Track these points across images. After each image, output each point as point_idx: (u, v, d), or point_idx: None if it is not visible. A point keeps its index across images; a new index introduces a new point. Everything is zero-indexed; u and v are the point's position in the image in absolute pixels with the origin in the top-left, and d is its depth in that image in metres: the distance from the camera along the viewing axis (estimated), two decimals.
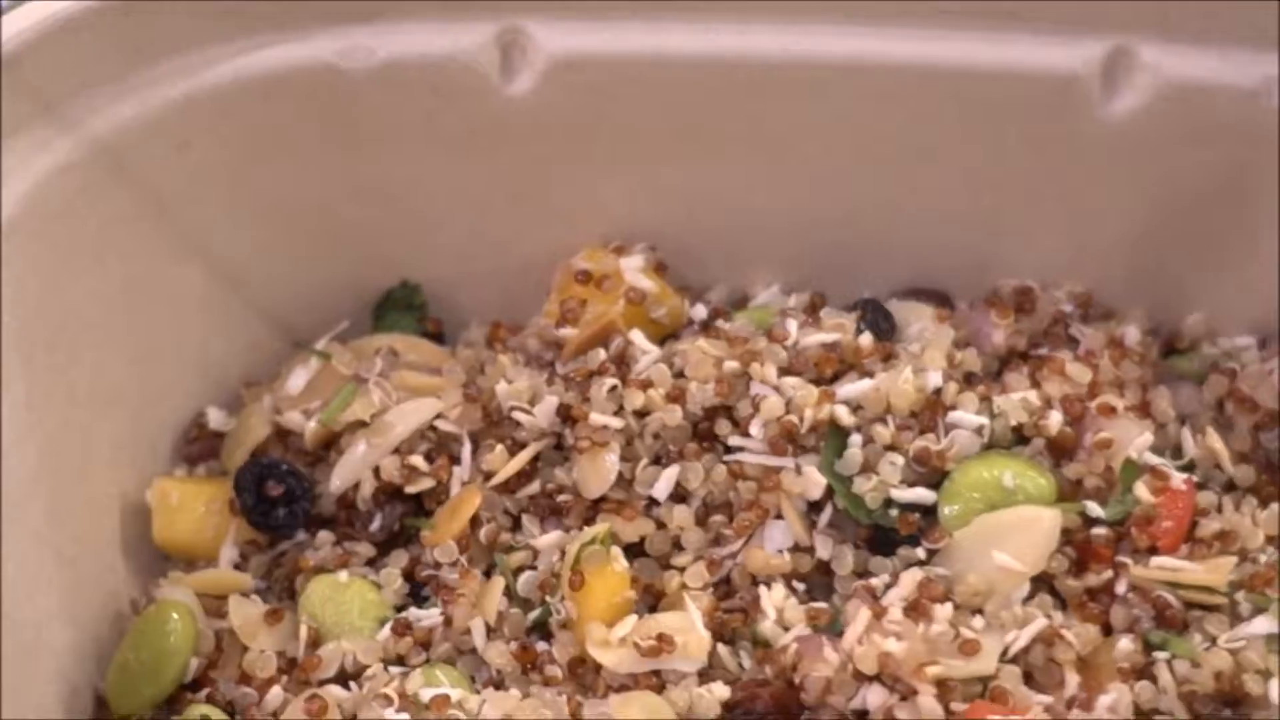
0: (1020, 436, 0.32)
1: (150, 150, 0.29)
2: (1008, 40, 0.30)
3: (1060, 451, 0.32)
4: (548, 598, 0.31)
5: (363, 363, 0.33)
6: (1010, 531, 0.30)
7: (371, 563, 0.33)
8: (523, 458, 0.32)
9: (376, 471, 0.32)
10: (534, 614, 0.31)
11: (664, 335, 0.34)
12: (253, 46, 0.29)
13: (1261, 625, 0.29)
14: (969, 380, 0.32)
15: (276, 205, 0.31)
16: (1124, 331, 0.34)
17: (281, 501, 0.33)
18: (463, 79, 0.30)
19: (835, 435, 0.31)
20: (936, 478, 0.31)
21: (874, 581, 0.30)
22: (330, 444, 0.33)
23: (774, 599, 0.30)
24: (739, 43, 0.30)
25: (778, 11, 0.30)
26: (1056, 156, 0.32)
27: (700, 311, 0.34)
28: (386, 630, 0.31)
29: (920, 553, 0.30)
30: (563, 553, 0.31)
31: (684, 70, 0.30)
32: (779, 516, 0.31)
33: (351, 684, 0.30)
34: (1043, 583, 0.30)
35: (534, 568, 0.32)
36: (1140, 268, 0.33)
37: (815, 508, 0.31)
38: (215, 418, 0.34)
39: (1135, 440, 0.31)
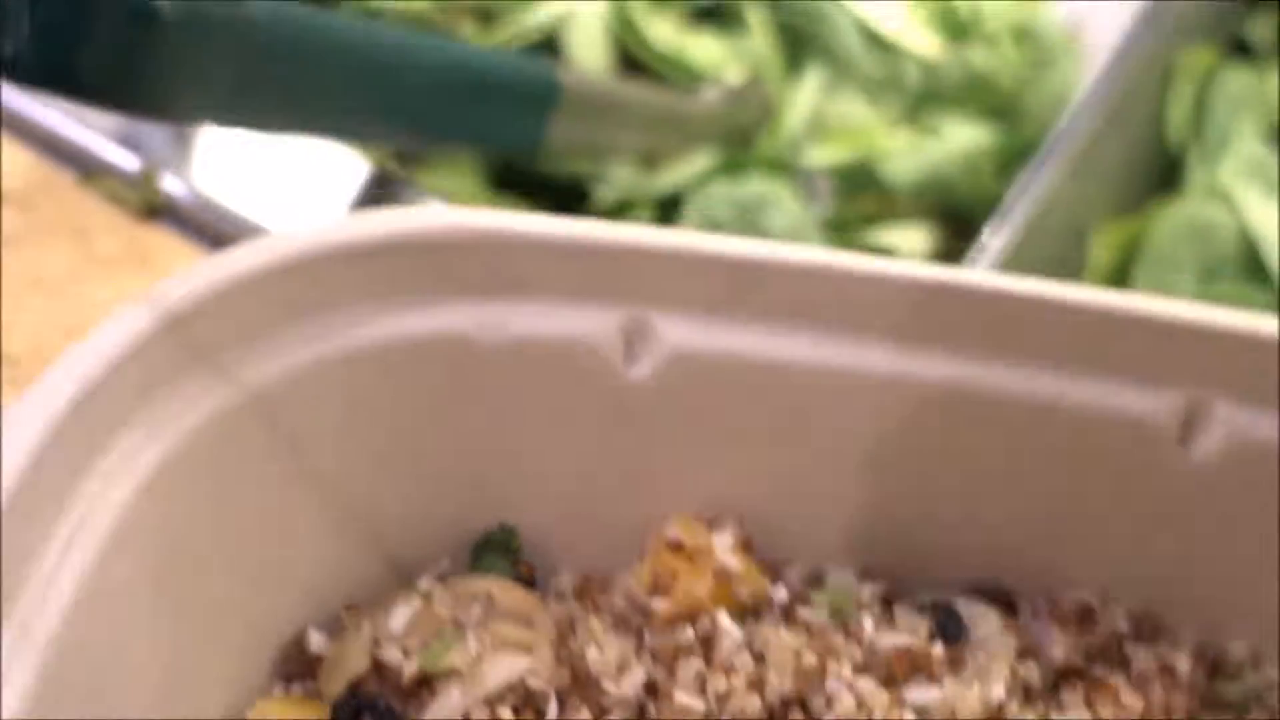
0: None
1: (293, 399, 0.31)
2: (1095, 382, 0.32)
3: None
4: None
5: (460, 605, 0.35)
6: None
7: None
8: None
9: (466, 718, 0.33)
10: None
11: (744, 611, 0.35)
12: (397, 311, 0.32)
13: None
14: (1027, 694, 0.34)
15: (397, 450, 0.33)
16: (1175, 660, 0.35)
17: None
18: (586, 360, 0.32)
19: None
20: None
21: None
22: (425, 682, 0.34)
23: None
24: (848, 356, 0.32)
25: (887, 333, 0.32)
26: (1130, 488, 0.34)
27: (781, 593, 0.36)
28: None
29: None
30: None
31: (791, 374, 0.32)
32: None
33: None
34: None
35: None
36: (1195, 592, 0.36)
37: None
38: (316, 640, 0.35)
39: None
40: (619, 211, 0.62)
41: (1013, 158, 0.69)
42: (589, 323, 0.33)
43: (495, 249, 0.32)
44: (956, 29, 0.71)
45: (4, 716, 0.26)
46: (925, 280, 0.32)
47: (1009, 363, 0.32)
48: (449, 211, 0.32)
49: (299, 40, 0.41)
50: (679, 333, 0.33)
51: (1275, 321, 0.32)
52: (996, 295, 0.32)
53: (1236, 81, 0.69)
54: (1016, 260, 0.59)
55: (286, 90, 0.41)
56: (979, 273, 0.32)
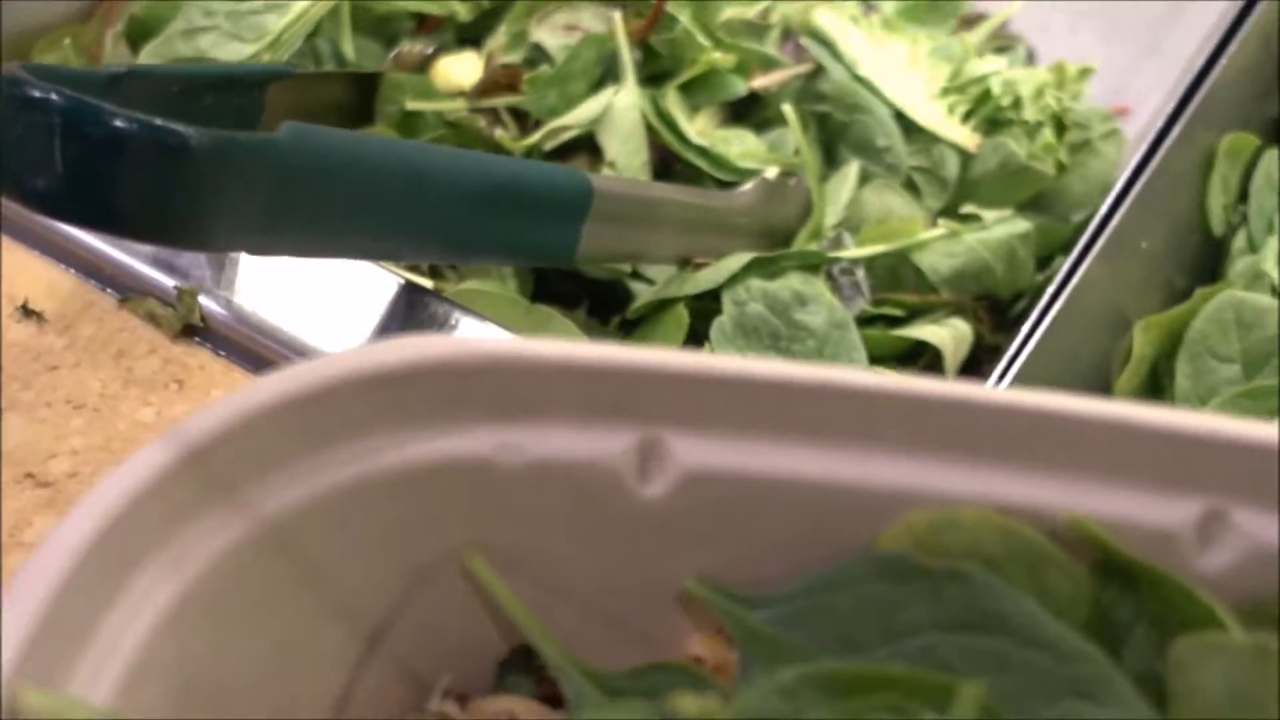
0: None
1: (313, 528, 0.32)
2: (1113, 492, 0.32)
3: None
4: None
5: None
6: None
7: None
8: None
9: None
10: None
11: None
12: (416, 438, 0.32)
13: None
14: None
15: (420, 573, 0.34)
16: None
17: None
18: (602, 480, 0.33)
19: None
20: None
21: None
22: None
23: None
24: (857, 471, 0.32)
25: (899, 446, 0.32)
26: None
27: None
28: None
29: None
30: None
31: (805, 491, 0.33)
32: None
33: None
34: None
35: None
36: None
37: None
38: None
39: None
40: (658, 310, 0.63)
41: (1053, 246, 0.69)
42: (603, 444, 0.33)
43: (511, 374, 0.33)
44: (994, 119, 0.71)
45: None
46: (934, 394, 0.32)
47: (1023, 471, 0.32)
48: (463, 339, 0.33)
49: (326, 164, 0.41)
50: (692, 452, 0.33)
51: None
52: (1006, 408, 0.32)
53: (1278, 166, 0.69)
54: (1056, 350, 0.59)
55: (317, 215, 0.42)
56: (989, 389, 0.32)
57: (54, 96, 0.37)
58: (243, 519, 0.31)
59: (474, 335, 0.49)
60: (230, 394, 0.31)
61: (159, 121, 0.37)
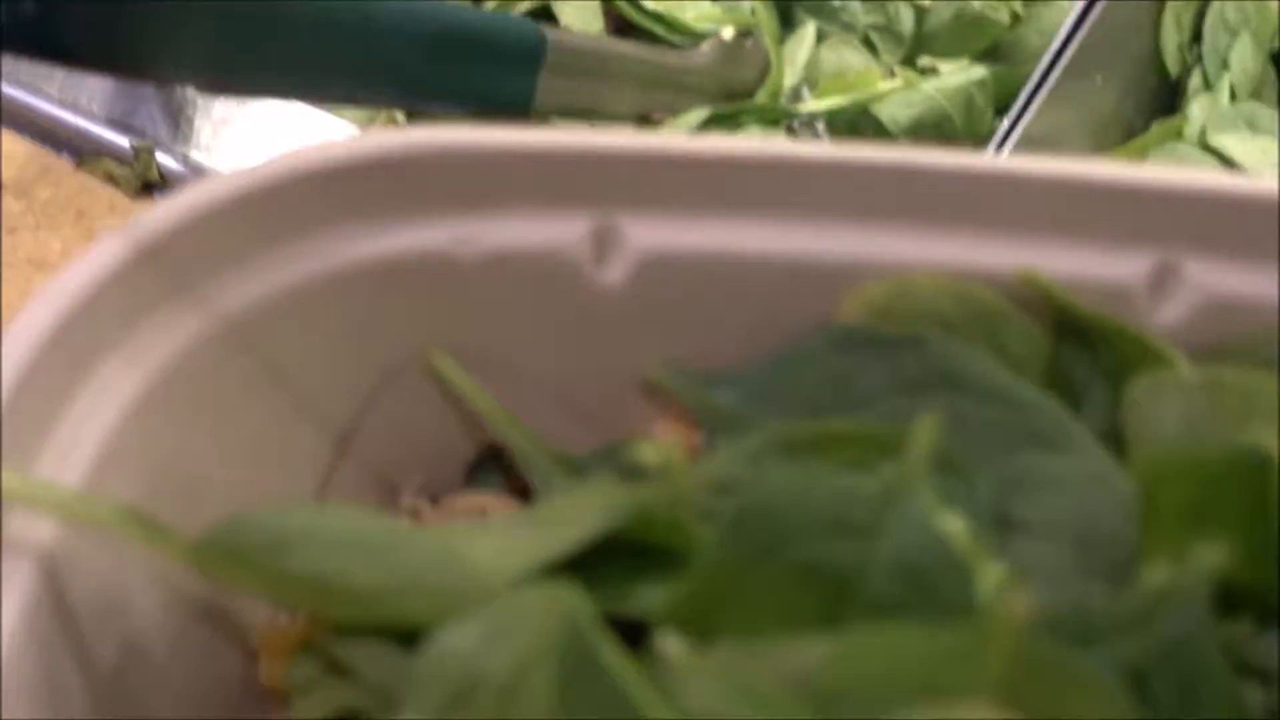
0: None
1: (273, 326, 0.32)
2: (1065, 249, 0.32)
3: None
4: None
5: (456, 521, 0.34)
6: None
7: None
8: None
9: None
10: None
11: None
12: (371, 232, 0.32)
13: None
14: None
15: (384, 372, 0.34)
16: None
17: None
18: (560, 268, 0.33)
19: None
20: None
21: None
22: None
23: None
24: (811, 245, 0.33)
25: (851, 218, 0.33)
26: None
27: None
28: None
29: None
30: None
31: (759, 268, 0.33)
32: None
33: None
34: None
35: None
36: None
37: None
38: None
39: None
40: None
41: (1010, 94, 0.69)
42: (559, 230, 0.33)
43: (463, 163, 0.33)
44: None
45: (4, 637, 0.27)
46: (883, 162, 0.32)
47: (975, 238, 0.32)
48: (416, 130, 0.33)
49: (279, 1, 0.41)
50: (647, 234, 0.33)
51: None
52: (955, 172, 0.32)
53: (1232, 3, 0.69)
54: None
55: (263, 50, 0.42)
56: (937, 153, 0.32)
57: None
58: (201, 314, 0.31)
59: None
60: (185, 190, 0.31)
61: None
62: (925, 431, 0.28)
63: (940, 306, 0.33)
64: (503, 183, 0.33)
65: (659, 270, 0.33)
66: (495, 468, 0.36)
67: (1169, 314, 0.33)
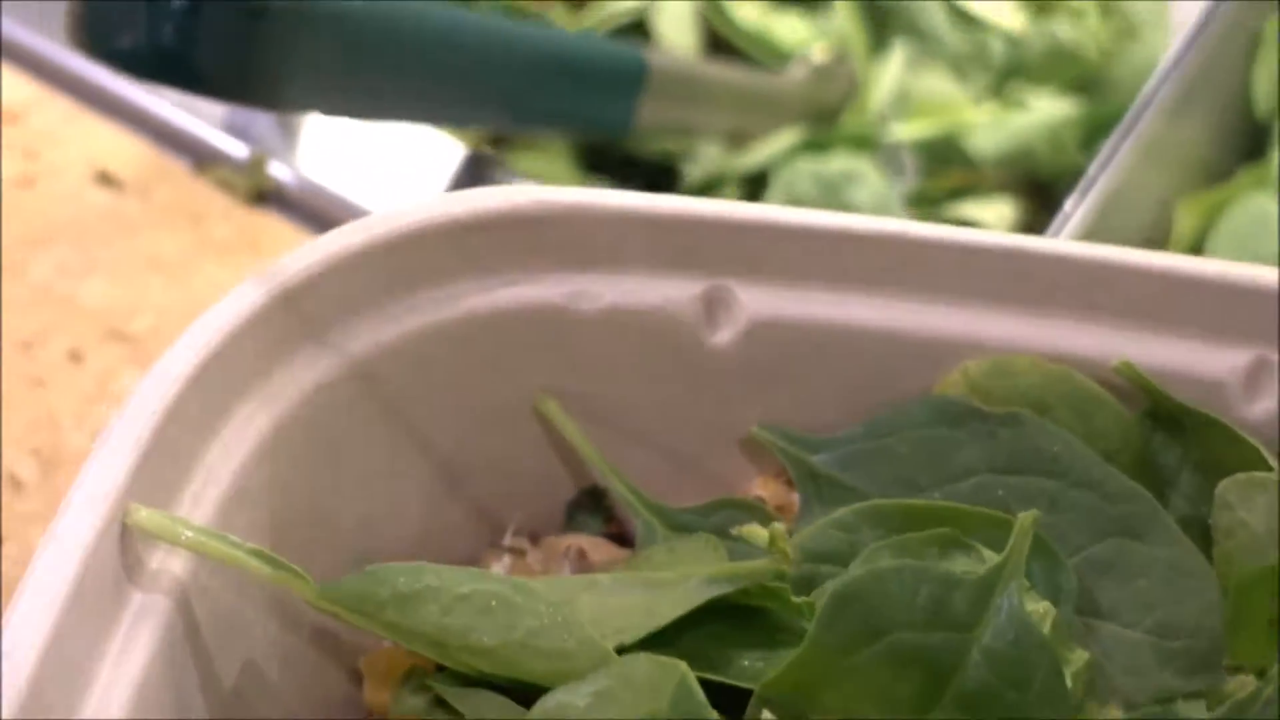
0: None
1: (396, 369, 0.33)
2: (1162, 340, 0.34)
3: None
4: None
5: (553, 561, 0.36)
6: None
7: None
8: None
9: None
10: None
11: None
12: (494, 284, 0.34)
13: None
14: None
15: (496, 413, 0.35)
16: None
17: None
18: (671, 327, 0.34)
19: None
20: None
21: None
22: None
23: None
24: (915, 320, 0.34)
25: (955, 296, 0.34)
26: None
27: None
28: None
29: None
30: None
31: (866, 339, 0.34)
32: None
33: None
34: None
35: None
36: None
37: None
38: None
39: None
40: (706, 189, 0.64)
41: (1097, 130, 0.69)
42: (673, 292, 0.34)
43: (585, 223, 0.34)
44: (1041, 2, 0.71)
45: (140, 664, 0.29)
46: (991, 245, 0.33)
47: (1075, 323, 0.33)
48: (541, 189, 0.34)
49: (395, 29, 0.43)
50: (758, 301, 0.34)
51: None
52: (1059, 259, 0.33)
53: None
54: (1099, 232, 0.60)
55: (385, 77, 0.43)
56: (1045, 240, 0.33)
57: None
58: (331, 357, 0.33)
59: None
60: (320, 239, 0.33)
61: None
62: (1025, 527, 0.29)
63: (1037, 386, 0.34)
64: (622, 243, 0.34)
65: (767, 334, 0.35)
66: (594, 509, 0.38)
67: (1261, 408, 0.34)
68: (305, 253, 0.32)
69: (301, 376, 0.33)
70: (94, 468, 0.29)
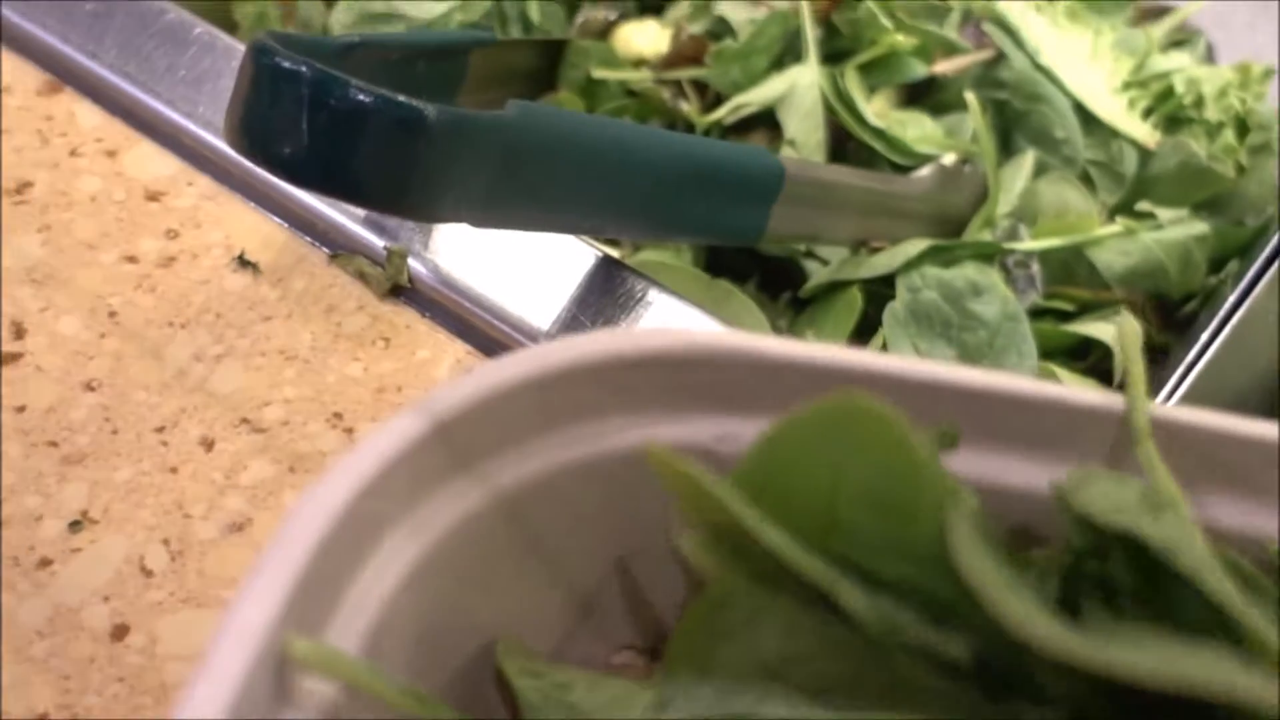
0: None
1: (540, 502, 0.34)
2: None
3: None
4: None
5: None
6: None
7: None
8: None
9: None
10: None
11: None
12: (642, 422, 0.34)
13: None
14: None
15: (631, 548, 0.36)
16: None
17: None
18: None
19: None
20: None
21: None
22: None
23: None
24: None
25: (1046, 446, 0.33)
26: None
27: None
28: None
29: None
30: None
31: (998, 498, 0.34)
32: None
33: None
34: None
35: None
36: None
37: None
38: None
39: None
40: (830, 291, 0.64)
41: (1227, 250, 0.69)
42: None
43: (738, 368, 0.34)
44: (1175, 117, 0.71)
45: None
46: (1080, 403, 0.33)
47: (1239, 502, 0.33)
48: (690, 331, 0.34)
49: (549, 143, 0.43)
50: None
51: None
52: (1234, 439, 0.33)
53: None
54: (1229, 353, 0.59)
55: (536, 191, 0.44)
56: (1213, 416, 0.33)
57: (304, 69, 0.39)
58: (480, 489, 0.33)
59: (698, 327, 0.50)
60: (476, 371, 0.33)
61: (401, 98, 0.39)
62: None
63: None
64: (770, 388, 0.34)
65: None
66: None
67: None
68: (460, 385, 0.33)
69: (451, 507, 0.33)
70: (249, 596, 0.29)
